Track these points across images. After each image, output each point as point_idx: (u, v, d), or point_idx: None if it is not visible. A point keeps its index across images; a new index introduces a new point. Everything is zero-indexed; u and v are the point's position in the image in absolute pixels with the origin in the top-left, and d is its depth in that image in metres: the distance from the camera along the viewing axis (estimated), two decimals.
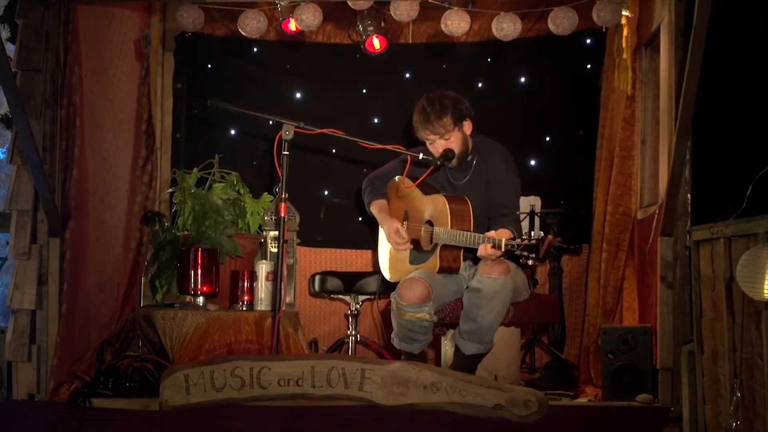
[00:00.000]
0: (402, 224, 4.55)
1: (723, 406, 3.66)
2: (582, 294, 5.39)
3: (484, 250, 4.08)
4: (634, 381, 4.20)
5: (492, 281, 4.24)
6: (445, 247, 4.33)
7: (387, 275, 4.72)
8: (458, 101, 4.44)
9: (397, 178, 4.66)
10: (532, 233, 3.89)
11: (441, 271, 4.37)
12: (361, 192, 4.80)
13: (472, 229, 4.31)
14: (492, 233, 4.11)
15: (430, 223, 4.45)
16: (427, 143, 4.49)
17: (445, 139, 4.42)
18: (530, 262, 3.90)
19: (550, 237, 3.83)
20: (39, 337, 4.15)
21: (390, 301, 4.48)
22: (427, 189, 4.53)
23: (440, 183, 4.56)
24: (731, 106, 3.88)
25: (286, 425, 3.84)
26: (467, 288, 4.36)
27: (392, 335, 4.51)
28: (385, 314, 4.70)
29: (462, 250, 4.36)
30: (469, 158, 4.51)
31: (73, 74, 4.22)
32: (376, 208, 4.66)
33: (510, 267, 4.29)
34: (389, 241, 4.60)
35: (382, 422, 3.84)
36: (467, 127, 4.47)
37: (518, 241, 3.89)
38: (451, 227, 4.28)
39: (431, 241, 4.41)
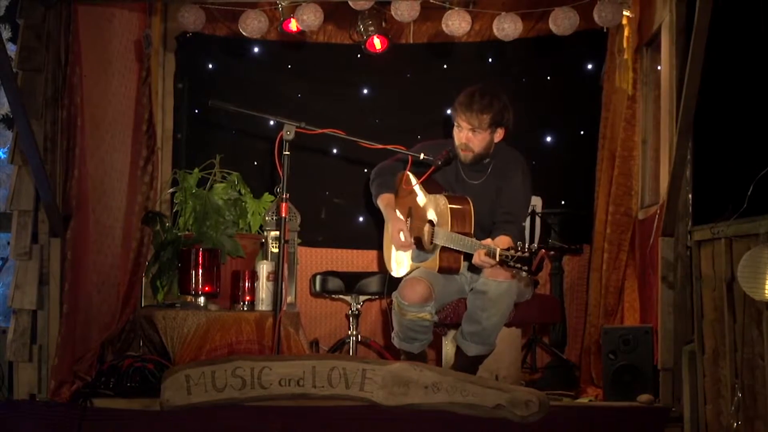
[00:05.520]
0: (406, 221, 4.56)
1: (724, 406, 3.66)
2: (583, 294, 5.38)
3: (478, 257, 4.09)
4: (635, 381, 4.19)
5: (497, 284, 4.24)
6: (445, 248, 4.34)
7: (390, 270, 4.73)
8: (505, 108, 4.44)
9: (407, 172, 4.64)
10: (527, 245, 3.90)
11: (441, 271, 4.38)
12: (363, 190, 4.79)
13: (472, 229, 4.31)
14: (489, 241, 4.12)
15: (432, 223, 4.45)
16: (455, 127, 4.47)
17: (473, 133, 4.41)
18: (523, 275, 3.93)
19: (543, 251, 3.85)
20: (40, 337, 4.14)
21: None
22: (430, 187, 4.53)
23: (449, 180, 4.56)
24: (732, 107, 3.88)
25: (287, 425, 3.84)
26: (471, 290, 4.36)
27: (392, 335, 4.52)
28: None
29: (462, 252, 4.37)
30: (486, 161, 4.52)
31: (74, 74, 4.21)
32: (383, 203, 4.65)
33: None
34: (392, 241, 4.61)
35: (383, 422, 3.84)
36: (499, 134, 4.47)
37: (512, 252, 3.90)
38: (452, 228, 4.28)
39: (431, 242, 4.42)
